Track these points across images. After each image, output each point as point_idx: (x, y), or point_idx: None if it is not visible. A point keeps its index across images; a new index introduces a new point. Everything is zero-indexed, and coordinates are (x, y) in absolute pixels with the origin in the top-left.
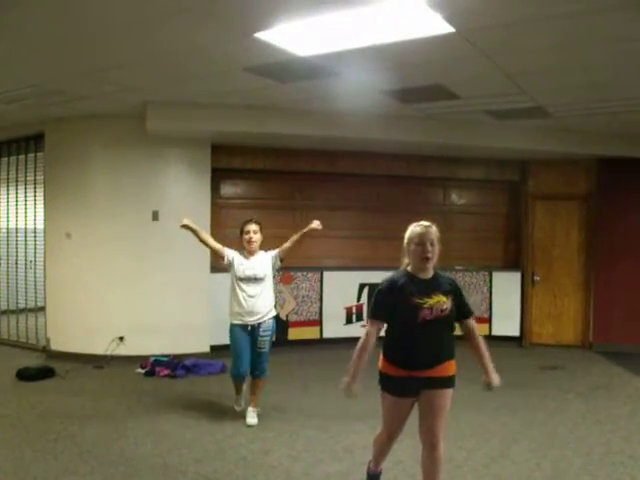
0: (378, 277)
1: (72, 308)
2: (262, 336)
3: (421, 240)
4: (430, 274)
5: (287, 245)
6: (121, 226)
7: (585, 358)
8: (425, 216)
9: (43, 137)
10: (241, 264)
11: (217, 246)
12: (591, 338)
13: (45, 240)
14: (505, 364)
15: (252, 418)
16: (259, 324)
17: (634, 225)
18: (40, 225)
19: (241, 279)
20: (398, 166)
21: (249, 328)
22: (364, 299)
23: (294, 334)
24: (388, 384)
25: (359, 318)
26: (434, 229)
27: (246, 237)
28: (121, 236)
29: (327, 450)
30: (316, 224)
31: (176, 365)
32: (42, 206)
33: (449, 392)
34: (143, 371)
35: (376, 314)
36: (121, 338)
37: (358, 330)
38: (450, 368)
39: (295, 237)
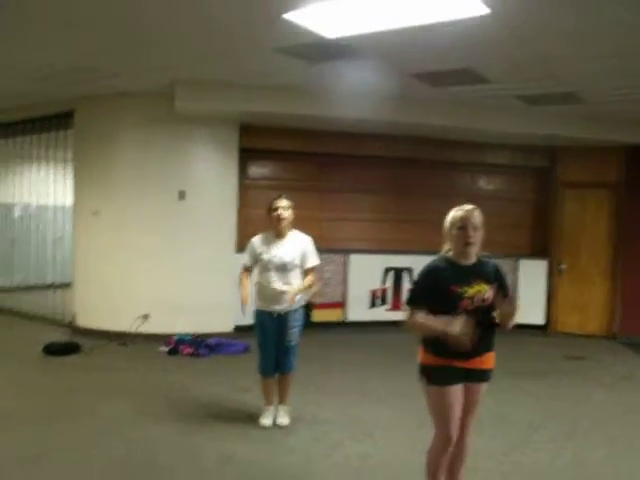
0: (403, 261)
1: (98, 285)
2: (290, 327)
3: (463, 224)
4: (472, 260)
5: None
6: (148, 205)
7: (610, 349)
8: (451, 200)
9: (73, 115)
10: (267, 251)
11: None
12: (616, 329)
13: (73, 217)
14: (530, 352)
15: (283, 418)
16: (287, 313)
17: None
18: (68, 202)
19: (267, 268)
20: (425, 150)
21: (275, 316)
22: (389, 283)
23: (318, 316)
24: (431, 375)
25: (383, 302)
26: (477, 213)
27: (275, 214)
28: (148, 214)
29: (347, 432)
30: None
31: (200, 344)
32: (71, 183)
33: (485, 386)
34: (167, 349)
35: (416, 302)
36: (146, 316)
37: (382, 314)
38: (490, 360)
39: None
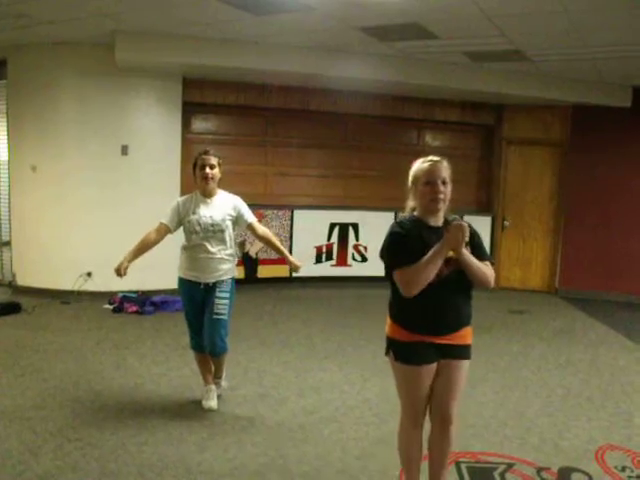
0: (349, 217)
1: (38, 243)
2: (219, 297)
3: (430, 178)
4: (441, 220)
5: (265, 236)
6: (89, 160)
7: (551, 303)
8: (398, 156)
9: (5, 64)
10: (195, 212)
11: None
12: (557, 284)
13: (9, 173)
14: (474, 307)
15: (211, 400)
16: (215, 283)
17: (605, 173)
18: (4, 157)
19: (195, 231)
20: (373, 105)
21: (202, 286)
22: (334, 239)
23: (263, 272)
24: (401, 351)
25: (329, 257)
26: (445, 164)
27: (200, 173)
28: (89, 170)
29: (294, 388)
30: (298, 264)
31: (145, 301)
32: (5, 137)
33: (467, 364)
34: (111, 307)
35: (402, 260)
36: (89, 274)
37: (328, 269)
38: (469, 335)
39: (273, 243)
